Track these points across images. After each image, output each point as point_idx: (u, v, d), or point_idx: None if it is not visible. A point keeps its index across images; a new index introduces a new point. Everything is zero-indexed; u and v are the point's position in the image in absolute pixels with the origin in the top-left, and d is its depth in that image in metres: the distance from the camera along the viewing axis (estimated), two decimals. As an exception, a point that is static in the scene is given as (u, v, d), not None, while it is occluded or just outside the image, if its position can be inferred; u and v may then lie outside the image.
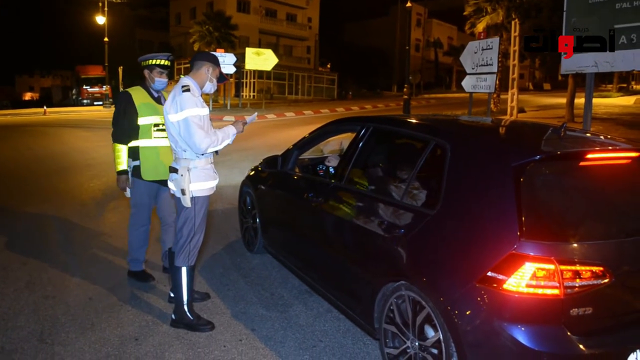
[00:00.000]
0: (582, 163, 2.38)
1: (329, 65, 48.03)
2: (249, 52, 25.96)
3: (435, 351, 2.33)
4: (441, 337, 2.26)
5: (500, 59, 10.37)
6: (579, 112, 15.96)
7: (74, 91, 39.13)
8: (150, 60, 3.73)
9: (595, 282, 2.04)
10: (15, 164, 10.36)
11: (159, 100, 3.81)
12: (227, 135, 3.13)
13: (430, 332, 2.36)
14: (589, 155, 2.37)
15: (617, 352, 2.09)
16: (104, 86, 33.71)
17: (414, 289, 2.43)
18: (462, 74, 11.43)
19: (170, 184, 3.20)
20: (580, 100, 13.68)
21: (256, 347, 3.04)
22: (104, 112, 26.86)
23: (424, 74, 54.18)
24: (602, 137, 2.89)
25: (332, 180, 3.48)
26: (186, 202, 3.12)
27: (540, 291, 2.01)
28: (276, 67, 28.25)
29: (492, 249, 2.14)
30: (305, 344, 3.09)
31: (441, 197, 2.48)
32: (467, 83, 10.68)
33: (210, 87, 3.24)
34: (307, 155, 4.69)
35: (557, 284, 2.00)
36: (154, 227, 4.09)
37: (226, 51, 25.56)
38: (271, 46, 33.97)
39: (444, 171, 2.53)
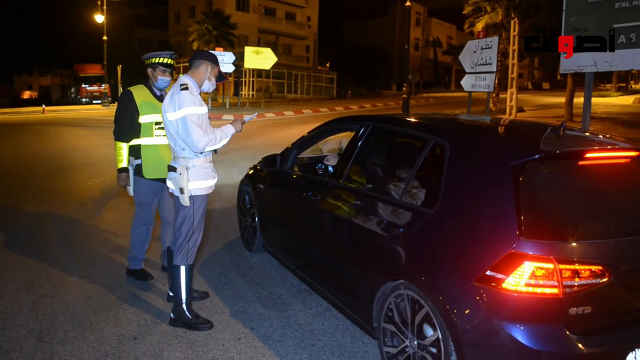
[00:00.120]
0: (581, 162, 2.38)
1: (328, 64, 48.01)
2: (248, 50, 25.93)
3: (434, 350, 2.33)
4: (440, 336, 2.26)
5: (499, 58, 10.37)
6: (578, 112, 15.96)
7: (72, 90, 39.05)
8: (154, 59, 3.75)
9: (594, 281, 2.04)
10: (14, 163, 10.34)
11: (161, 99, 3.82)
12: (225, 134, 3.12)
13: (429, 331, 2.36)
14: (588, 155, 2.37)
15: (616, 351, 2.09)
16: (103, 85, 33.70)
17: (412, 288, 2.43)
18: (461, 73, 11.43)
19: (169, 183, 3.20)
20: (579, 100, 13.69)
21: (255, 346, 3.04)
22: (102, 111, 26.86)
23: (423, 73, 54.21)
24: (601, 136, 2.89)
25: (331, 179, 3.48)
26: (185, 200, 3.11)
27: (539, 290, 2.01)
28: (275, 66, 28.21)
29: (491, 248, 2.14)
30: (304, 342, 3.09)
31: (440, 196, 2.48)
32: (466, 82, 10.68)
33: (209, 85, 3.24)
34: (306, 154, 4.69)
35: (556, 283, 2.00)
36: (155, 226, 4.09)
37: (225, 50, 25.55)
38: (270, 45, 33.90)
39: (443, 170, 2.53)
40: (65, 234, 5.30)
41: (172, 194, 3.30)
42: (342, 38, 59.48)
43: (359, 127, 3.44)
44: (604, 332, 2.10)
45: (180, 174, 3.07)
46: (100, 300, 3.63)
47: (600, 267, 2.05)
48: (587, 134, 3.17)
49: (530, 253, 2.03)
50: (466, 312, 2.14)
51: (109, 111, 24.33)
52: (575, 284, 2.02)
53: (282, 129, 16.19)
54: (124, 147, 3.81)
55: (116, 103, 3.82)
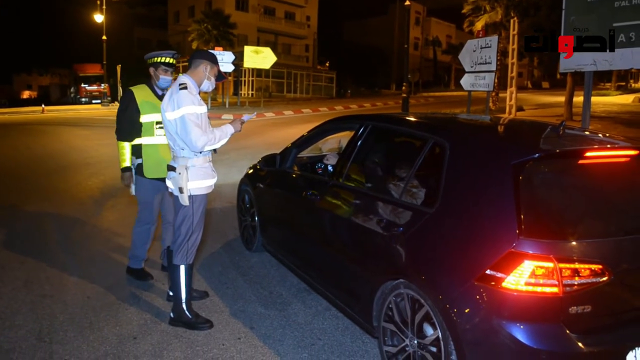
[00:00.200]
0: (581, 161, 2.38)
1: (327, 64, 47.99)
2: (248, 50, 25.91)
3: (434, 349, 2.33)
4: (440, 335, 2.26)
5: (498, 57, 10.33)
6: (577, 111, 15.96)
7: (72, 89, 39.05)
8: (155, 58, 3.75)
9: (594, 280, 2.04)
10: (14, 162, 10.33)
11: (162, 98, 3.82)
12: (224, 133, 3.12)
13: (429, 330, 2.36)
14: (588, 154, 2.37)
15: (616, 350, 2.09)
16: (102, 84, 33.68)
17: (412, 287, 2.43)
18: (461, 72, 11.42)
19: (169, 182, 3.20)
20: (578, 99, 13.69)
21: (255, 345, 3.03)
22: (102, 111, 26.83)
23: (423, 72, 54.17)
24: (600, 135, 2.89)
25: (331, 179, 3.48)
26: (184, 200, 3.11)
27: (539, 289, 2.01)
28: (275, 65, 28.22)
29: (491, 247, 2.14)
30: (303, 342, 3.09)
31: (440, 195, 2.48)
32: (466, 81, 10.66)
33: (208, 85, 3.23)
34: (305, 153, 4.69)
35: (556, 282, 2.00)
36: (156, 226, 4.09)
37: (225, 49, 25.54)
38: (270, 44, 33.87)
39: (442, 169, 2.53)
40: (65, 234, 5.29)
41: (171, 194, 3.30)
42: (341, 37, 59.47)
43: (359, 126, 3.43)
44: (604, 331, 2.10)
45: (180, 173, 3.07)
46: (100, 300, 3.63)
47: (600, 266, 2.05)
48: (586, 133, 3.16)
49: (530, 252, 2.03)
50: (466, 311, 2.13)
51: (108, 111, 24.29)
52: (575, 283, 2.01)
53: (282, 129, 16.19)
54: (126, 147, 3.82)
55: (116, 102, 3.84)
